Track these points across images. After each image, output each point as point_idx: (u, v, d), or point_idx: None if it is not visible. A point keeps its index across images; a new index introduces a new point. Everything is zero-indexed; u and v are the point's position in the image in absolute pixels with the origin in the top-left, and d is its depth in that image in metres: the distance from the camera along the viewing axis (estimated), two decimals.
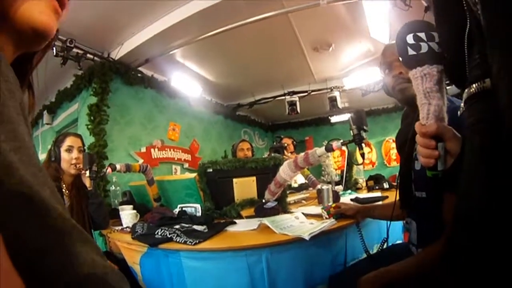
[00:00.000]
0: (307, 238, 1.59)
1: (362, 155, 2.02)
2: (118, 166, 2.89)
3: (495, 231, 0.59)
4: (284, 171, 2.27)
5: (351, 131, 2.02)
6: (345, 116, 2.06)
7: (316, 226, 1.74)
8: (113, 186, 3.58)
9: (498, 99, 0.61)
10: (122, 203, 3.05)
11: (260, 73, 6.03)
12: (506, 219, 0.57)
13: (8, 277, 0.32)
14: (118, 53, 4.57)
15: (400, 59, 1.00)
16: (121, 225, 2.60)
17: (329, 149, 2.14)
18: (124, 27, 4.18)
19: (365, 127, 1.98)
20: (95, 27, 3.94)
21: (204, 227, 2.04)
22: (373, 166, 8.05)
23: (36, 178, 0.43)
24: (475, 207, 0.68)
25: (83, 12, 3.50)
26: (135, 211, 2.71)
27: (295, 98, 6.53)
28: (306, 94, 6.64)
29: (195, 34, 4.30)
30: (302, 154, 2.25)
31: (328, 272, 1.81)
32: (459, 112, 0.83)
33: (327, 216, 1.97)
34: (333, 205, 1.72)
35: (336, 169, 3.97)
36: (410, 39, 0.96)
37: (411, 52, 0.96)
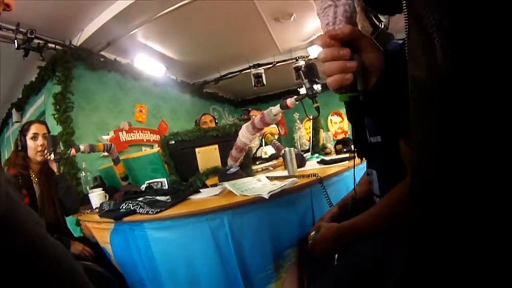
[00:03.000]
0: (266, 196, 1.57)
1: (317, 108, 1.99)
2: (82, 147, 2.84)
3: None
4: (243, 134, 2.24)
5: (304, 85, 1.99)
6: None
7: (277, 186, 1.72)
8: (83, 172, 3.53)
9: None
10: (92, 188, 3.00)
11: (223, 47, 6.00)
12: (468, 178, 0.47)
13: None
14: (79, 40, 4.55)
15: None
16: (92, 208, 2.58)
17: (284, 106, 2.11)
18: (82, 13, 4.14)
19: (317, 80, 1.94)
20: (55, 16, 3.90)
21: (168, 197, 2.02)
22: (345, 135, 8.10)
23: None
24: (433, 165, 0.54)
25: (42, 2, 3.50)
26: (103, 192, 2.69)
27: (261, 70, 6.52)
28: (271, 65, 6.63)
29: (153, 12, 4.27)
30: (259, 115, 2.23)
31: (296, 234, 1.80)
32: None
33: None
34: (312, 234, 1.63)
35: (308, 140, 3.98)
36: None
37: None
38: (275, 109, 2.14)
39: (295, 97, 2.08)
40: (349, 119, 1.01)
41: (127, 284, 2.11)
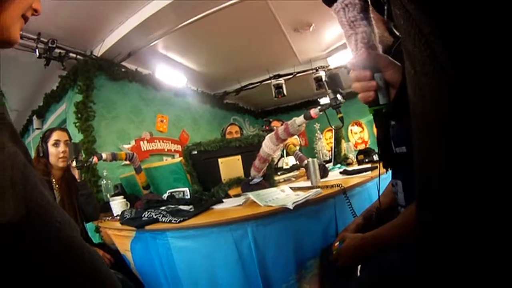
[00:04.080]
0: (291, 207, 1.57)
1: (341, 119, 1.98)
2: (104, 155, 2.89)
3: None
4: (266, 145, 2.24)
5: (328, 96, 1.99)
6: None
7: (301, 196, 1.71)
8: (104, 180, 3.58)
9: None
10: (113, 196, 3.03)
11: (243, 58, 6.01)
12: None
13: None
14: (100, 50, 4.60)
15: None
16: (113, 216, 2.61)
17: (308, 116, 2.10)
18: (103, 24, 4.20)
19: (341, 90, 1.94)
20: (76, 26, 3.96)
21: (191, 206, 2.02)
22: (366, 145, 8.02)
23: None
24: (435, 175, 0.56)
25: (63, 13, 3.55)
26: (124, 200, 2.72)
27: (281, 81, 6.51)
28: (291, 76, 6.62)
29: (173, 23, 4.32)
30: (282, 125, 2.23)
31: (319, 245, 1.78)
32: None
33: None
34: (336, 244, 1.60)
35: (329, 151, 3.97)
36: None
37: None
38: (299, 119, 2.14)
39: (319, 107, 2.08)
40: (377, 131, 1.06)
41: None
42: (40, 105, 5.49)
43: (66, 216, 0.61)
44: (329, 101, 2.00)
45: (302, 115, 2.14)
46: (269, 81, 6.71)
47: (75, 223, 0.62)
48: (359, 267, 1.46)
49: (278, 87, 6.50)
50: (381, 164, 1.43)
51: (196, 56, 5.70)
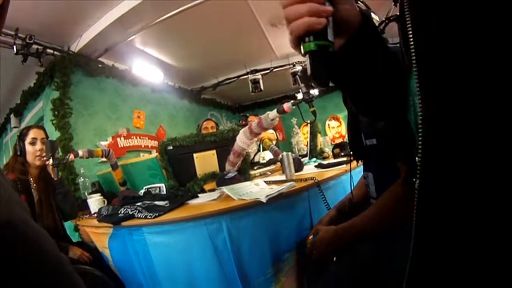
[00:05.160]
0: (264, 200, 1.58)
1: (313, 112, 2.00)
2: (80, 153, 2.85)
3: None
4: (240, 139, 2.25)
5: (300, 90, 2.00)
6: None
7: (275, 190, 1.73)
8: (81, 178, 3.54)
9: None
10: (91, 193, 3.00)
11: (221, 53, 6.00)
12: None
13: None
14: (77, 46, 4.58)
15: None
16: (90, 213, 2.60)
17: (281, 110, 2.12)
18: (81, 19, 4.16)
19: (313, 84, 1.95)
20: (53, 22, 3.92)
21: (166, 202, 2.02)
22: (343, 139, 8.08)
23: None
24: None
25: (41, 8, 3.51)
26: (101, 197, 2.71)
27: (258, 76, 6.52)
28: (268, 71, 6.65)
29: (151, 18, 4.29)
30: (256, 119, 2.24)
31: (295, 238, 1.80)
32: None
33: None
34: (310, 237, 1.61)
35: (306, 145, 3.99)
36: None
37: None
38: (272, 114, 2.15)
39: (292, 101, 2.09)
40: (347, 124, 1.01)
41: None
42: (17, 103, 5.42)
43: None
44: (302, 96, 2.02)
45: (275, 109, 2.15)
46: (246, 76, 6.72)
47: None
48: (334, 258, 1.48)
49: (255, 82, 6.51)
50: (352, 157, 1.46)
51: (174, 51, 5.68)
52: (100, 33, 4.29)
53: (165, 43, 5.33)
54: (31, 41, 3.65)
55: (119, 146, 5.24)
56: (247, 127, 2.25)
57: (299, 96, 2.13)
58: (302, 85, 1.97)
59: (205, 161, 2.45)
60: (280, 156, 2.35)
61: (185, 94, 7.26)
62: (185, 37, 5.24)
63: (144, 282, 1.89)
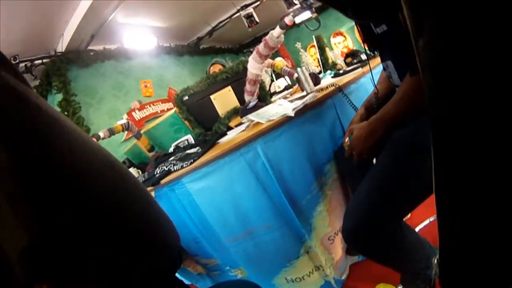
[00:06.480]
0: (292, 114, 1.57)
1: (316, 19, 1.94)
2: (101, 134, 2.88)
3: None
4: (252, 66, 2.21)
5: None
6: (308, 13, 1.96)
7: (299, 103, 1.71)
8: None
9: None
10: None
11: None
12: None
13: None
14: (63, 45, 4.62)
15: None
16: None
17: (283, 25, 2.06)
18: (57, 19, 4.16)
19: None
20: (31, 34, 3.94)
21: (197, 148, 2.02)
22: None
23: None
24: None
25: (15, 27, 3.53)
26: (135, 169, 2.72)
27: (250, 10, 6.33)
28: (259, 2, 6.48)
29: None
30: (261, 43, 2.18)
31: (331, 148, 1.80)
32: None
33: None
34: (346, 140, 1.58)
35: (317, 65, 3.92)
36: None
37: None
38: (276, 31, 2.09)
39: (291, 13, 2.03)
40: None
41: (183, 248, 2.10)
42: None
43: None
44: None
45: (278, 26, 2.09)
46: (239, 14, 6.53)
47: None
48: (374, 160, 1.46)
49: (249, 16, 6.33)
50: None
51: (158, 13, 5.57)
52: (80, 23, 4.29)
53: (147, 9, 5.25)
54: (17, 61, 3.74)
55: (136, 119, 5.32)
56: (254, 52, 2.19)
57: (297, 19, 2.07)
58: None
59: (223, 100, 2.43)
60: (296, 75, 2.31)
61: (183, 50, 7.18)
62: None
63: (199, 234, 1.92)
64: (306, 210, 1.73)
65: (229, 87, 2.44)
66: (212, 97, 2.41)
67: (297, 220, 1.68)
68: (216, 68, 4.17)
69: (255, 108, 2.17)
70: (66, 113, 4.37)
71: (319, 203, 1.76)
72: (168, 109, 5.83)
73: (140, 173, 2.67)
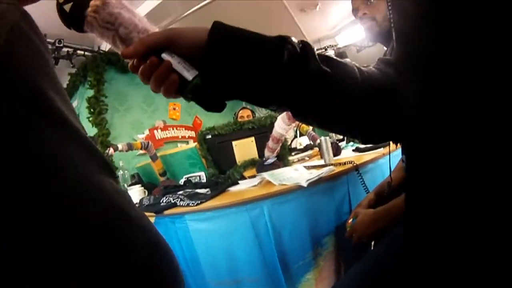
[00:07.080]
0: (304, 185, 1.60)
1: None
2: (120, 146, 2.93)
3: None
4: (279, 125, 2.27)
5: None
6: None
7: (315, 174, 1.75)
8: (121, 171, 3.64)
9: None
10: (130, 185, 3.09)
11: None
12: None
13: None
14: (107, 45, 4.58)
15: None
16: None
17: None
18: None
19: None
20: None
21: (207, 189, 2.07)
22: None
23: None
24: None
25: None
26: (142, 188, 2.76)
27: None
28: None
29: (179, 12, 4.33)
30: None
31: (334, 222, 1.81)
32: None
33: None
34: (350, 221, 1.62)
35: None
36: None
37: None
38: None
39: None
40: None
41: None
42: None
43: None
44: None
45: None
46: None
47: None
48: (372, 242, 1.49)
49: None
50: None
51: None
52: None
53: None
54: (61, 45, 3.79)
55: (156, 138, 5.35)
56: (285, 113, 2.25)
57: None
58: None
59: (244, 148, 2.48)
60: (318, 141, 2.36)
61: None
62: None
63: (187, 269, 1.94)
64: (295, 275, 1.73)
65: (252, 138, 2.49)
66: (234, 143, 2.46)
67: (283, 281, 1.68)
68: (245, 114, 4.25)
69: (272, 166, 2.21)
70: (92, 110, 4.44)
71: (309, 271, 1.76)
72: (189, 137, 5.90)
73: (146, 193, 2.71)
